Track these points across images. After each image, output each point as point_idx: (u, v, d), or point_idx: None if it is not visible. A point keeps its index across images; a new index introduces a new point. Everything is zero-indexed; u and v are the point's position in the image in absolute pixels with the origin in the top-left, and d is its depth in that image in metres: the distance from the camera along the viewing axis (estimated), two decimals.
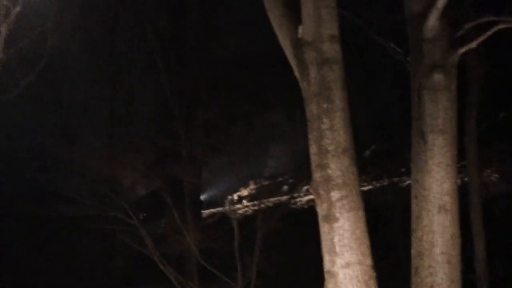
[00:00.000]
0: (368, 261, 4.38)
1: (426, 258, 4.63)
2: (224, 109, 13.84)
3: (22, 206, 14.96)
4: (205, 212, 18.82)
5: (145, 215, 14.31)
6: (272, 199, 18.16)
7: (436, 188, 4.63)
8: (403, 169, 17.96)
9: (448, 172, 4.64)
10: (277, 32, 4.78)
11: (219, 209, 17.25)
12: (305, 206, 20.12)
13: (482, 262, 10.20)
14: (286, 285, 14.20)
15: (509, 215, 14.02)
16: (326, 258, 4.40)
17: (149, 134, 15.53)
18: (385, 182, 18.99)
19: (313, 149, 4.46)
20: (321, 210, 4.42)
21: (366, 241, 4.41)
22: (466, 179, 11.16)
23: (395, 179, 18.53)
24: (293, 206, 20.44)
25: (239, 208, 20.63)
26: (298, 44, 4.55)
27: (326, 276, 4.41)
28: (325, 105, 4.41)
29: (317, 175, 4.42)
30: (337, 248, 4.33)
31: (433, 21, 4.56)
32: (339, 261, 4.33)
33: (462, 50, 4.69)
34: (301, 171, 20.36)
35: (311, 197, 16.39)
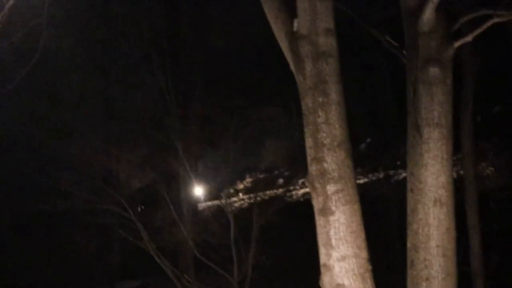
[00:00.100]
0: (364, 254, 4.38)
1: (421, 251, 4.63)
2: (220, 102, 13.84)
3: (17, 200, 14.93)
4: (201, 205, 18.81)
5: (143, 207, 14.33)
6: (268, 192, 18.21)
7: (431, 181, 4.62)
8: (398, 162, 18.03)
9: (443, 166, 4.63)
10: (273, 25, 4.76)
11: (215, 202, 17.25)
12: (301, 199, 20.17)
13: (477, 255, 10.21)
14: (282, 278, 14.25)
15: (504, 208, 14.07)
16: (322, 251, 4.40)
17: (144, 127, 15.50)
18: (381, 175, 19.05)
19: (308, 142, 4.46)
20: (317, 203, 4.42)
21: (362, 234, 4.40)
22: (461, 172, 11.17)
23: (391, 172, 18.60)
24: (289, 199, 20.50)
25: (235, 201, 20.67)
26: (293, 38, 4.53)
27: (322, 269, 4.41)
28: (320, 99, 4.40)
29: (312, 168, 4.42)
30: (333, 241, 4.33)
31: (428, 14, 4.55)
32: (335, 254, 4.33)
33: (457, 43, 4.68)
34: (297, 165, 20.40)
35: (306, 190, 16.43)
